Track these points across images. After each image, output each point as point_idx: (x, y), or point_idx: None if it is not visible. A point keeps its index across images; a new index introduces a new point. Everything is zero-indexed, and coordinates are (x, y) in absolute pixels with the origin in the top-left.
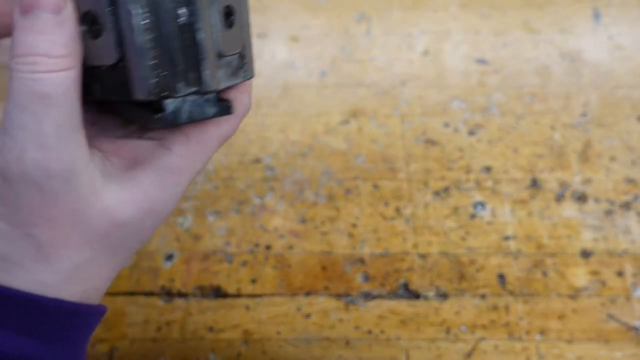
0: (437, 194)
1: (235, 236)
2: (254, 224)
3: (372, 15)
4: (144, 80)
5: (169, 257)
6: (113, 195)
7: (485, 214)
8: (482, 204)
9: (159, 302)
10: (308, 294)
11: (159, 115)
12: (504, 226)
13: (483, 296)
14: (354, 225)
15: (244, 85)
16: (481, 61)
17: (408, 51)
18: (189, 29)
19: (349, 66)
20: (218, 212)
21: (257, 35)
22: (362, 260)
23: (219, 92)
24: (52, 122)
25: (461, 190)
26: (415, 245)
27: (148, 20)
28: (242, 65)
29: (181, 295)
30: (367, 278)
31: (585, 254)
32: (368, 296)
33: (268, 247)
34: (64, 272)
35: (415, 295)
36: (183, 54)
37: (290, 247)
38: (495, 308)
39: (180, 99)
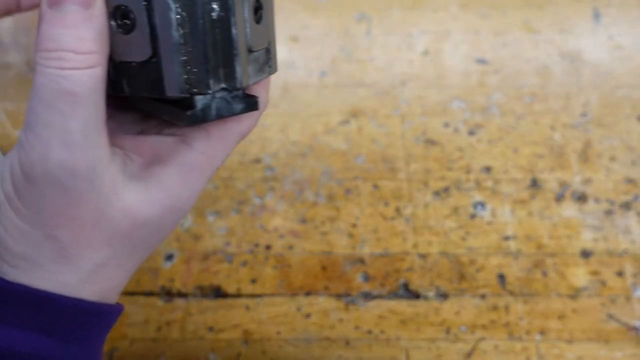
0: (437, 194)
1: (235, 236)
2: (254, 224)
3: (372, 15)
4: (177, 77)
5: (169, 257)
6: (134, 194)
7: (485, 214)
8: (482, 204)
9: (159, 302)
10: (308, 294)
11: (189, 112)
12: (504, 226)
13: (483, 296)
14: (354, 225)
15: (263, 80)
16: (481, 61)
17: (408, 51)
18: (222, 24)
19: (349, 66)
20: (218, 212)
21: None
22: (362, 260)
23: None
24: (78, 121)
25: (461, 190)
26: (415, 245)
27: (182, 15)
28: (268, 61)
29: (181, 295)
30: (367, 278)
31: (585, 254)
32: (368, 296)
33: (268, 247)
34: (84, 272)
35: (415, 295)
36: (215, 49)
37: (290, 247)
38: (495, 308)
39: (209, 95)
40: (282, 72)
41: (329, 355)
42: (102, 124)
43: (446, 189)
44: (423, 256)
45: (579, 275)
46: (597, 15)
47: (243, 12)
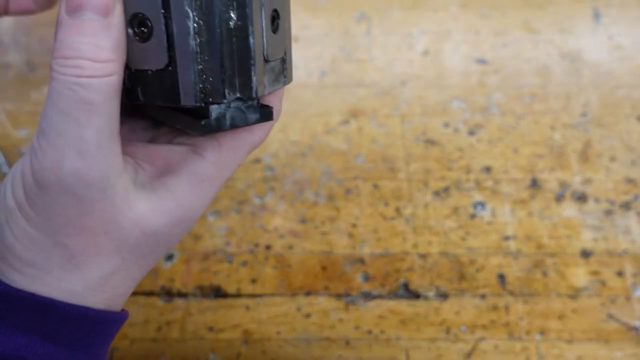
0: (437, 194)
1: (235, 236)
2: (254, 224)
3: (372, 15)
4: (192, 86)
5: (169, 257)
6: (145, 204)
7: (485, 214)
8: (482, 204)
9: (159, 302)
10: (308, 294)
11: (204, 121)
12: (504, 226)
13: (483, 296)
14: (354, 225)
15: (277, 91)
16: (481, 61)
17: (408, 51)
18: (240, 33)
19: (349, 66)
20: (218, 212)
21: None
22: (362, 260)
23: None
24: (93, 130)
25: (461, 190)
26: (415, 245)
27: (200, 23)
28: (283, 71)
29: (181, 295)
30: (367, 278)
31: (585, 254)
32: (368, 296)
33: (268, 247)
34: (92, 280)
35: (415, 295)
36: (232, 58)
37: (290, 247)
38: (495, 308)
39: (224, 105)
40: None
41: (329, 355)
42: (116, 133)
43: (446, 189)
44: (423, 256)
45: (579, 275)
46: (597, 15)
47: (260, 21)
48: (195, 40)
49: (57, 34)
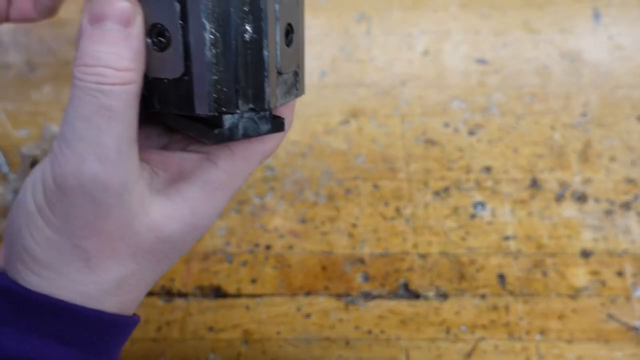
0: (437, 194)
1: (235, 236)
2: (254, 224)
3: (372, 15)
4: (207, 96)
5: None
6: (160, 210)
7: (485, 214)
8: (482, 204)
9: (159, 302)
10: (308, 294)
11: (217, 130)
12: (504, 226)
13: (483, 296)
14: (354, 225)
15: (289, 102)
16: (481, 61)
17: (408, 51)
18: (255, 45)
19: (349, 66)
20: None
21: None
22: (362, 260)
23: None
24: (113, 136)
25: (461, 190)
26: (415, 245)
27: (216, 35)
28: (295, 83)
29: (181, 295)
30: (367, 278)
31: (585, 254)
32: (368, 296)
33: (268, 247)
34: (107, 284)
35: (415, 295)
36: (246, 70)
37: (290, 247)
38: (495, 308)
39: (237, 115)
40: None
41: (329, 355)
42: (135, 140)
43: (446, 189)
44: (423, 256)
45: (579, 275)
46: (597, 15)
47: (275, 35)
48: (211, 51)
49: (79, 43)
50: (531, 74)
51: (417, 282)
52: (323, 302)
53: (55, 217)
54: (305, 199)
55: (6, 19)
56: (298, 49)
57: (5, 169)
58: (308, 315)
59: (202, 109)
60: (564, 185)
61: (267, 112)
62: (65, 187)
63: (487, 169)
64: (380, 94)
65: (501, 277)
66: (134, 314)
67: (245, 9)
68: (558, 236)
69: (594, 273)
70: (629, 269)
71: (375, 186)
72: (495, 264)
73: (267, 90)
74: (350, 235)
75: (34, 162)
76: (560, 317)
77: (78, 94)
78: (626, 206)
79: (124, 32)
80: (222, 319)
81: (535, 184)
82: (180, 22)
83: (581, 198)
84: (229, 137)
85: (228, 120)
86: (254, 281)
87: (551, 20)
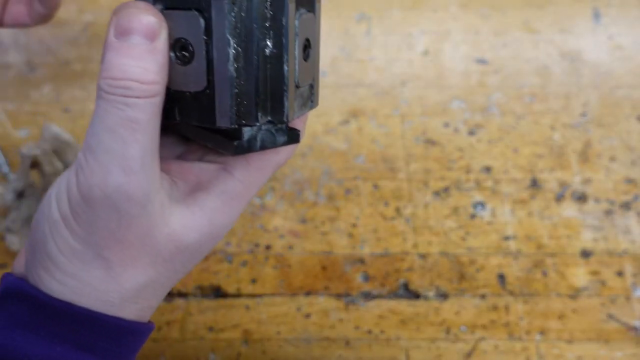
0: (437, 194)
1: (235, 236)
2: (254, 224)
3: (372, 15)
4: (228, 109)
5: None
6: (179, 220)
7: (485, 214)
8: (482, 204)
9: None
10: (308, 294)
11: (236, 142)
12: (504, 226)
13: (483, 296)
14: (354, 225)
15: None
16: (481, 61)
17: (408, 51)
18: (275, 60)
19: (349, 66)
20: None
21: None
22: (362, 260)
23: None
24: (138, 148)
25: (461, 190)
26: (415, 245)
27: (238, 50)
28: (311, 96)
29: (181, 295)
30: (367, 278)
31: (585, 254)
32: (368, 296)
33: (268, 247)
34: (127, 292)
35: (415, 295)
36: (266, 84)
37: (290, 247)
38: (495, 308)
39: (255, 127)
40: None
41: (329, 355)
42: (157, 151)
43: (446, 189)
44: (423, 256)
45: (579, 275)
46: (597, 15)
47: (294, 50)
48: (234, 65)
49: (105, 56)
50: (531, 74)
51: (417, 282)
52: (323, 302)
53: (79, 227)
54: (305, 199)
55: (0, 24)
56: (314, 63)
57: (5, 169)
58: (308, 315)
59: (223, 121)
60: (564, 185)
61: (284, 125)
62: (91, 198)
63: (487, 169)
64: (380, 94)
65: (501, 277)
66: (150, 321)
67: (267, 24)
68: (558, 236)
69: (594, 273)
70: (629, 269)
71: (375, 186)
72: (495, 264)
73: (286, 103)
74: (350, 235)
75: (34, 162)
76: (560, 317)
77: (104, 106)
78: (626, 206)
79: (150, 46)
80: (222, 319)
81: (535, 184)
82: (205, 37)
83: (581, 198)
84: (248, 149)
85: (247, 132)
86: (254, 281)
87: (551, 20)
